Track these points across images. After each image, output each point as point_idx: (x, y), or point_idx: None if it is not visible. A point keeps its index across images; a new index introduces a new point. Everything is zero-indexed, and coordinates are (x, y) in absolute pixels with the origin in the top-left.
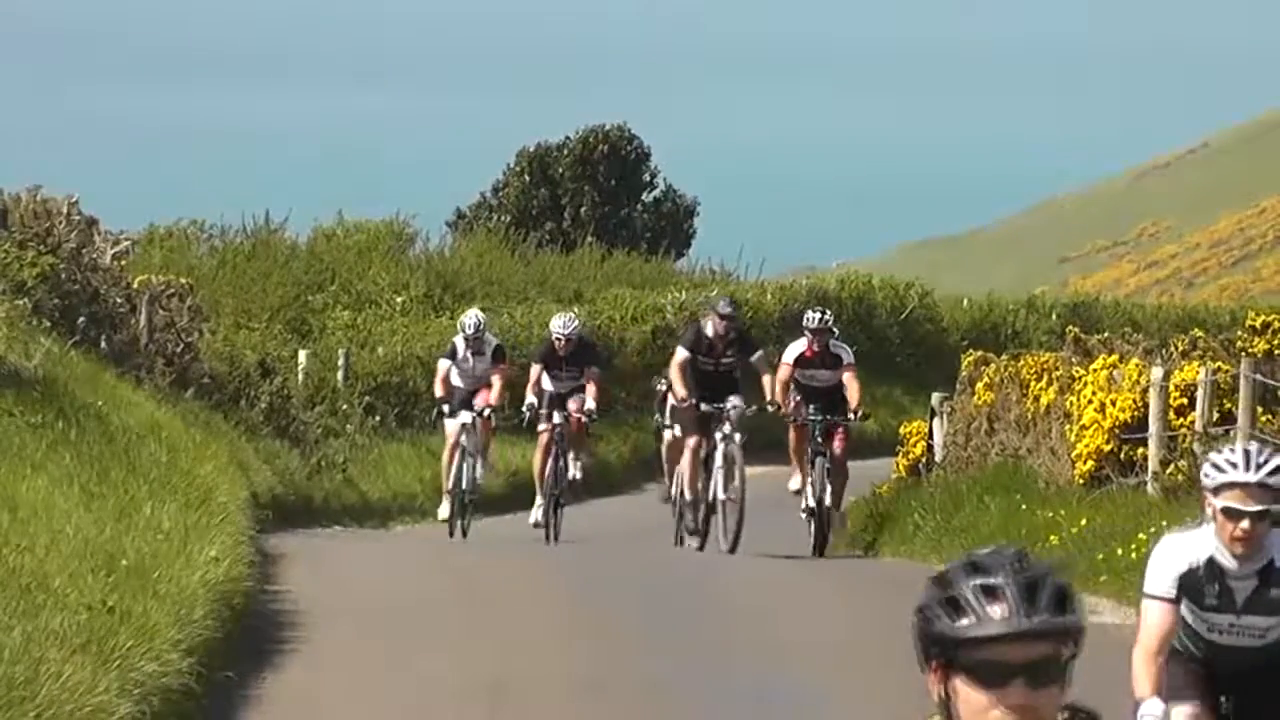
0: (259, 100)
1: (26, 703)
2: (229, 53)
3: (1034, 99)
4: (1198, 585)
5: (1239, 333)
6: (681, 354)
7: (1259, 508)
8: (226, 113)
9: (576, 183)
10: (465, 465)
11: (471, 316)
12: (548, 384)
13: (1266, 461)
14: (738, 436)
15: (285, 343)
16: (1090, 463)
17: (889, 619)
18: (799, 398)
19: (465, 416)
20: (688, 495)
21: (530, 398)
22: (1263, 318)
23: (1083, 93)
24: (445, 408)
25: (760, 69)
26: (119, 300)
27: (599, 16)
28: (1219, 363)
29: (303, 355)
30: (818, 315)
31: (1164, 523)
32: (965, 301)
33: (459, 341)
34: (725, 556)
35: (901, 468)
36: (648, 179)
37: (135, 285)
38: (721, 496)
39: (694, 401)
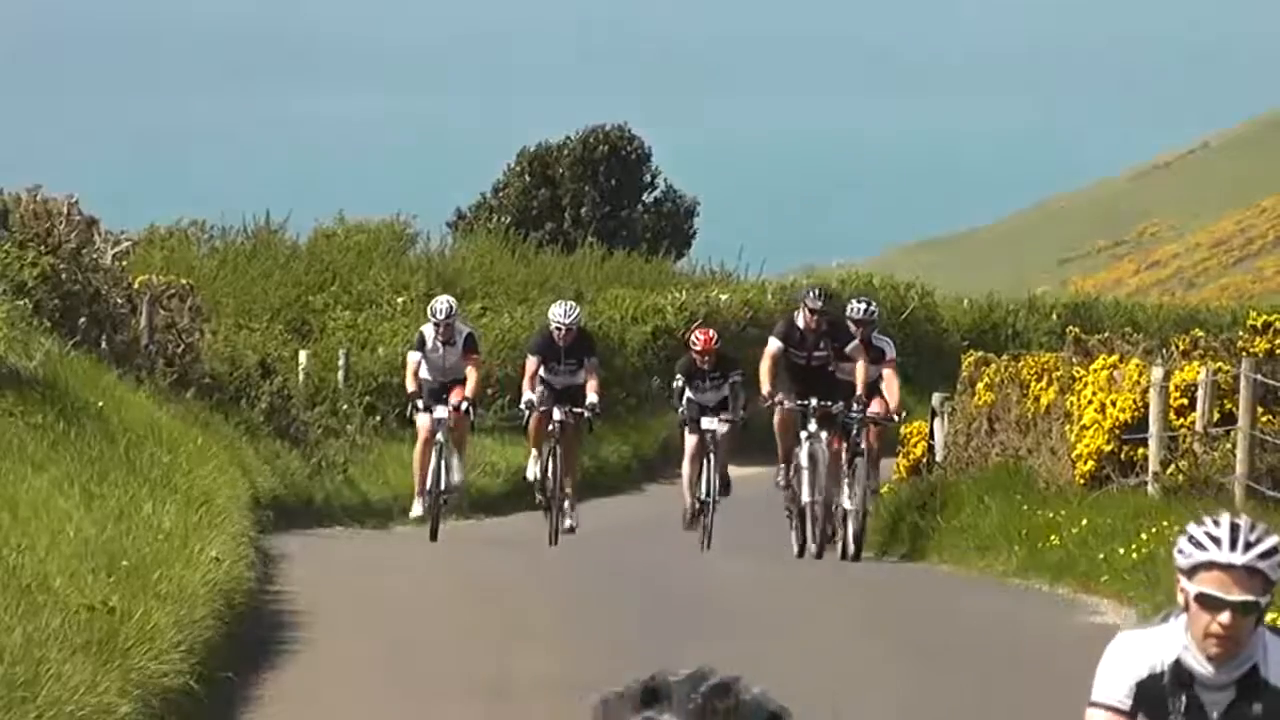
0: (259, 100)
1: (27, 703)
2: (229, 52)
3: (1034, 99)
4: (1159, 695)
5: (1240, 333)
6: (772, 345)
7: (1245, 598)
8: (227, 113)
9: (577, 183)
10: (442, 463)
11: (443, 301)
12: (544, 378)
13: (1259, 540)
14: (824, 435)
15: (286, 343)
16: (1091, 463)
17: (890, 621)
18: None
19: (440, 412)
20: (797, 497)
21: (528, 393)
22: (1264, 317)
23: (1083, 93)
24: (418, 403)
25: (761, 69)
26: (119, 300)
27: (600, 16)
28: (1219, 363)
29: (303, 355)
30: (863, 306)
31: (1165, 523)
32: (965, 302)
33: (428, 330)
34: (729, 556)
35: (902, 468)
36: (648, 179)
37: (136, 285)
38: (806, 499)
39: (779, 399)
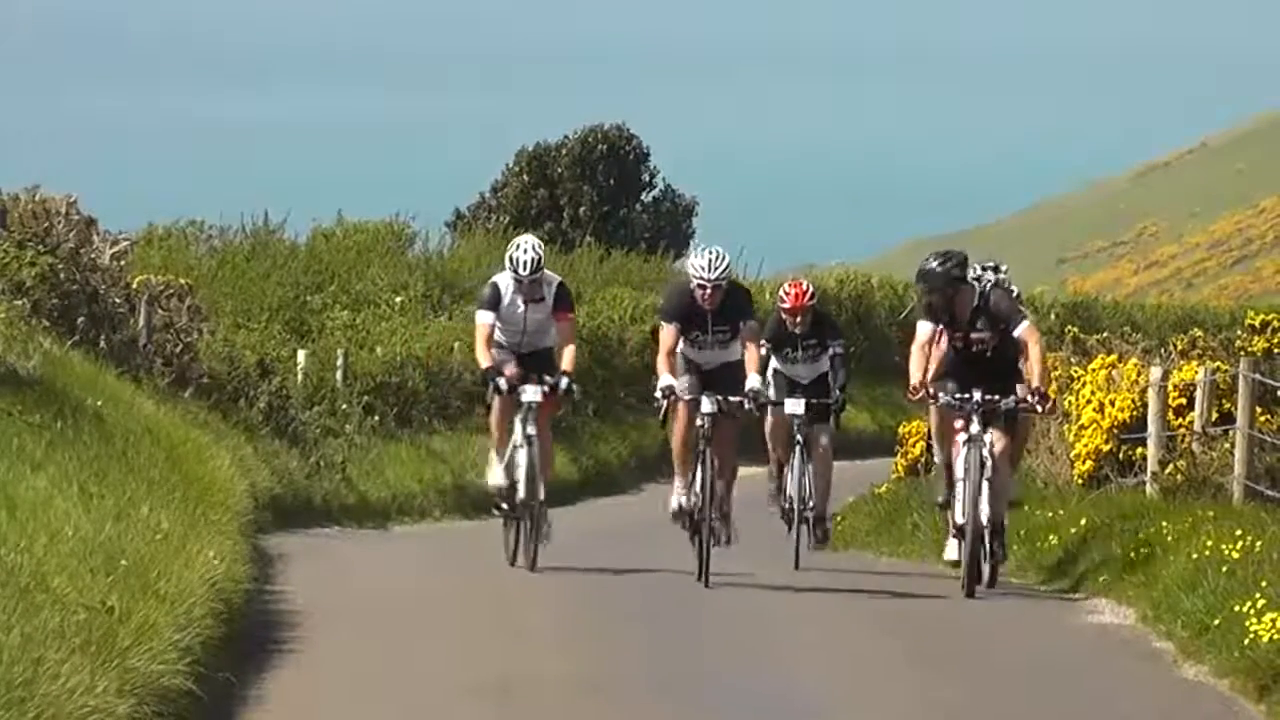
0: (259, 100)
1: (25, 703)
2: (229, 52)
3: (1034, 99)
4: None
5: (1238, 332)
6: (922, 328)
7: None
8: (226, 112)
9: (575, 183)
10: (534, 464)
11: (528, 246)
12: (685, 356)
13: None
14: (988, 438)
15: (284, 343)
16: (1089, 463)
17: (887, 619)
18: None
19: (530, 393)
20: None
21: (665, 376)
22: (1262, 317)
23: (1083, 93)
24: (500, 381)
25: (759, 69)
26: (118, 300)
27: (599, 16)
28: (1218, 362)
29: (302, 355)
30: (980, 267)
31: (1163, 523)
32: None
33: (503, 281)
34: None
35: (900, 468)
36: (646, 179)
37: (134, 285)
38: (960, 520)
39: (928, 391)
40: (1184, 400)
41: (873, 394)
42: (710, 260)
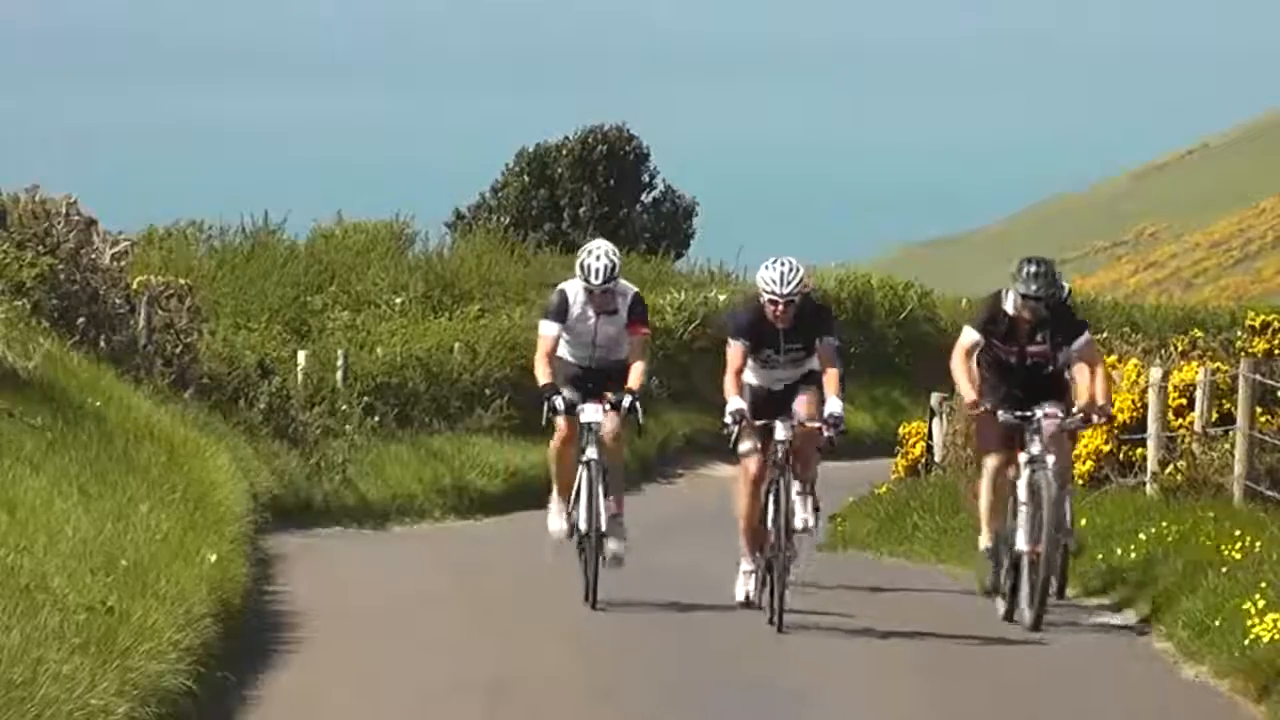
0: (259, 100)
1: (25, 703)
2: (229, 53)
3: (1034, 99)
4: None
5: (1238, 333)
6: (968, 336)
7: None
8: (227, 113)
9: (575, 183)
10: (598, 492)
11: (602, 252)
12: (753, 376)
13: None
14: (1050, 460)
15: (284, 343)
16: (1089, 463)
17: (886, 621)
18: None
19: (591, 412)
20: (985, 541)
21: (734, 399)
22: (1262, 318)
23: (1082, 93)
24: (557, 399)
25: (760, 69)
26: (118, 301)
27: (599, 16)
28: (1218, 363)
29: (302, 356)
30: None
31: (1164, 523)
32: (964, 302)
33: (572, 290)
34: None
35: (900, 468)
36: (647, 179)
37: (134, 286)
38: (1024, 547)
39: (986, 407)
40: (1184, 401)
41: (873, 394)
42: (783, 273)
